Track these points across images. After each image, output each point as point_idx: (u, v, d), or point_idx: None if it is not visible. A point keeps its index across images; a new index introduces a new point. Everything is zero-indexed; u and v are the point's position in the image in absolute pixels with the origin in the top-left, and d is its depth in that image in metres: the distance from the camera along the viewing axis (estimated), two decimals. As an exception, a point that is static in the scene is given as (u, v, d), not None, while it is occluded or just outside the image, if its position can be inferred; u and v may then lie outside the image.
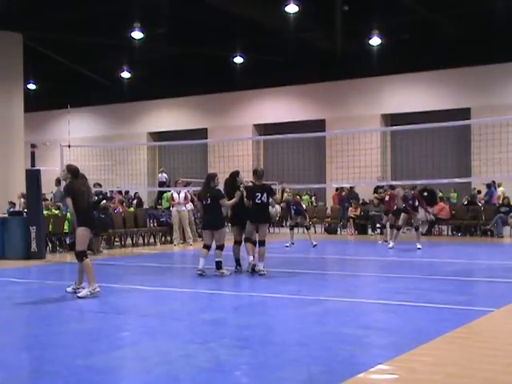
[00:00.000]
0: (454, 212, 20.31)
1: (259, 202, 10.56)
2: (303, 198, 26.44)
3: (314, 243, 16.06)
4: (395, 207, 16.53)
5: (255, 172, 10.88)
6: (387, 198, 17.09)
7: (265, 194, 10.56)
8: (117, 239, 17.75)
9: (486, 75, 26.21)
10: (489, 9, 22.92)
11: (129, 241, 17.77)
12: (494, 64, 25.75)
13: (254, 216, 10.71)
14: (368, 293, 9.17)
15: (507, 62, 25.38)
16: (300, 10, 22.46)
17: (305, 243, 16.47)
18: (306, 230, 16.98)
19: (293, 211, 16.55)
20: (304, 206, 17.30)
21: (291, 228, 16.72)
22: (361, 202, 23.65)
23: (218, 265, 10.46)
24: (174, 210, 17.47)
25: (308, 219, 17.13)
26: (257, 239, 10.86)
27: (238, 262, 10.98)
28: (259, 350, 5.55)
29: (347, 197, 24.36)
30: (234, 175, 11.04)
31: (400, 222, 15.84)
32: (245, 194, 10.73)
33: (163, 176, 27.13)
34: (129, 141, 31.99)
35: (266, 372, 4.86)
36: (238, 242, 11.02)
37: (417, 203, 15.54)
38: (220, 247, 10.55)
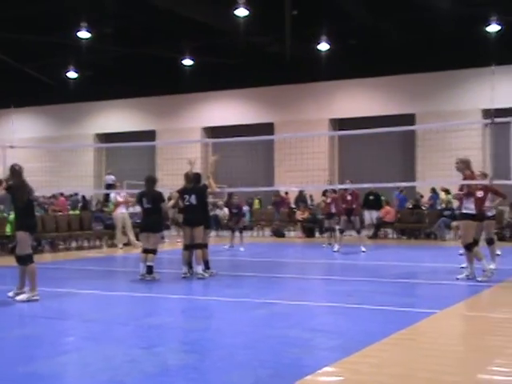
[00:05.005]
0: (399, 215, 20.68)
1: (188, 203, 10.55)
2: (254, 201, 26.56)
3: (242, 249, 16.02)
4: (333, 210, 16.88)
5: (185, 175, 10.84)
6: (329, 200, 17.25)
7: (193, 196, 10.50)
8: (61, 242, 17.42)
9: (430, 82, 26.79)
10: (432, 17, 23.47)
11: (74, 244, 17.45)
12: (438, 71, 26.36)
13: (185, 218, 10.77)
14: (315, 295, 9.23)
15: (450, 69, 26.01)
16: (250, 13, 22.52)
17: (252, 246, 16.49)
18: (238, 233, 16.71)
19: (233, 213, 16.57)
20: (245, 208, 17.25)
21: (232, 231, 16.70)
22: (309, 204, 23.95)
23: (150, 269, 10.33)
24: (117, 212, 17.22)
25: (242, 222, 17.02)
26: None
27: (189, 265, 10.84)
28: (206, 353, 5.52)
29: (296, 200, 24.61)
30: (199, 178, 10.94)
31: (341, 225, 16.04)
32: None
33: (110, 178, 26.77)
34: (75, 142, 31.45)
35: (213, 376, 4.84)
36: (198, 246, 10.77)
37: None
38: (153, 251, 10.42)
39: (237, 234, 16.68)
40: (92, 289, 9.44)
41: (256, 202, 26.59)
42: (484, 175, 10.92)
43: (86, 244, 17.71)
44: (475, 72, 24.83)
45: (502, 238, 18.24)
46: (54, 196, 24.27)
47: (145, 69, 29.34)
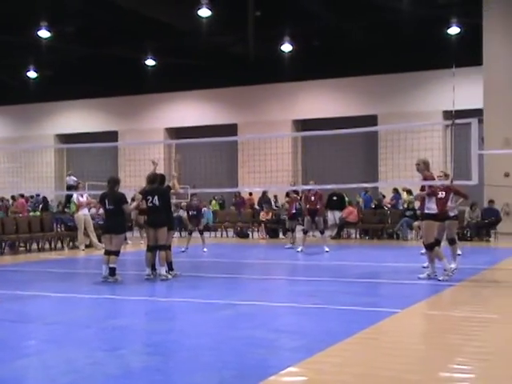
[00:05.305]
0: (362, 216, 20.85)
1: (151, 205, 10.50)
2: (212, 202, 26.42)
3: (205, 249, 15.89)
4: (293, 211, 16.97)
5: (147, 177, 10.84)
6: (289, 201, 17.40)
7: (156, 197, 10.46)
8: (22, 244, 17.13)
9: (392, 83, 27.15)
10: (394, 19, 23.78)
11: (34, 246, 17.18)
12: (400, 73, 26.72)
13: (148, 219, 10.75)
14: (279, 296, 9.25)
15: (412, 71, 26.39)
16: (213, 14, 22.49)
17: (215, 247, 16.44)
18: (199, 235, 16.37)
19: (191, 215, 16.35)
20: (204, 210, 17.05)
21: (190, 233, 16.54)
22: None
23: (112, 271, 10.24)
24: (79, 214, 17.03)
25: (202, 224, 16.85)
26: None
27: (153, 266, 10.76)
28: (170, 355, 5.48)
29: (259, 201, 24.62)
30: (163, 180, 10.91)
31: (305, 226, 16.10)
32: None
33: (71, 179, 26.40)
34: (35, 143, 30.98)
35: (176, 378, 4.81)
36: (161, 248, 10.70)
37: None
38: (116, 253, 10.33)
39: (195, 235, 16.49)
40: (53, 291, 9.30)
41: (214, 203, 26.49)
42: (445, 175, 11.08)
43: (47, 246, 17.44)
44: (436, 74, 25.22)
45: (463, 238, 18.54)
46: (13, 197, 23.89)
47: (107, 69, 29.06)
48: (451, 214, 11.37)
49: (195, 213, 16.25)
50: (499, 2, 21.67)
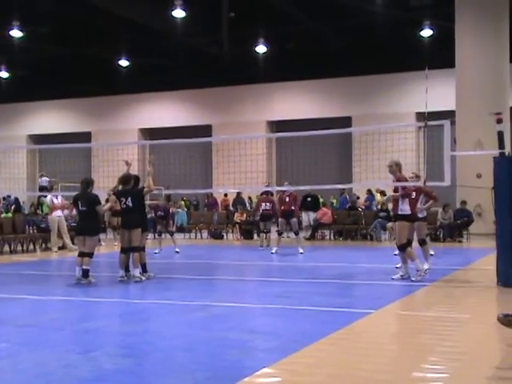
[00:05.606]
0: (336, 217, 20.94)
1: (124, 206, 10.45)
2: (180, 203, 26.28)
3: (177, 250, 15.71)
4: (259, 212, 17.03)
5: (119, 178, 10.81)
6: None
7: (129, 199, 10.41)
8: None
9: (366, 85, 27.34)
10: (368, 21, 23.95)
11: (6, 248, 16.96)
12: (374, 75, 26.92)
13: (122, 221, 10.74)
14: (253, 297, 9.26)
15: (385, 73, 26.61)
16: (187, 15, 22.44)
17: (189, 248, 16.37)
18: (169, 236, 16.11)
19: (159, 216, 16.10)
20: (178, 211, 16.90)
21: (159, 234, 16.39)
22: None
23: (86, 273, 10.15)
24: (53, 215, 16.87)
25: (172, 225, 16.67)
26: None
27: (126, 268, 10.68)
28: (143, 357, 5.45)
29: (234, 202, 24.61)
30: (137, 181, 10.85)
31: (279, 227, 16.13)
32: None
33: (43, 180, 26.13)
34: (7, 143, 30.60)
35: (150, 380, 4.79)
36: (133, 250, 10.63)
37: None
38: (89, 255, 10.25)
39: (164, 236, 16.28)
40: (26, 294, 9.20)
41: (182, 203, 26.39)
42: (417, 177, 11.17)
43: (19, 248, 17.23)
44: (409, 76, 25.47)
45: (435, 239, 18.72)
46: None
47: (80, 69, 28.84)
48: (420, 215, 11.44)
49: (162, 213, 16.02)
50: (471, 5, 21.92)
